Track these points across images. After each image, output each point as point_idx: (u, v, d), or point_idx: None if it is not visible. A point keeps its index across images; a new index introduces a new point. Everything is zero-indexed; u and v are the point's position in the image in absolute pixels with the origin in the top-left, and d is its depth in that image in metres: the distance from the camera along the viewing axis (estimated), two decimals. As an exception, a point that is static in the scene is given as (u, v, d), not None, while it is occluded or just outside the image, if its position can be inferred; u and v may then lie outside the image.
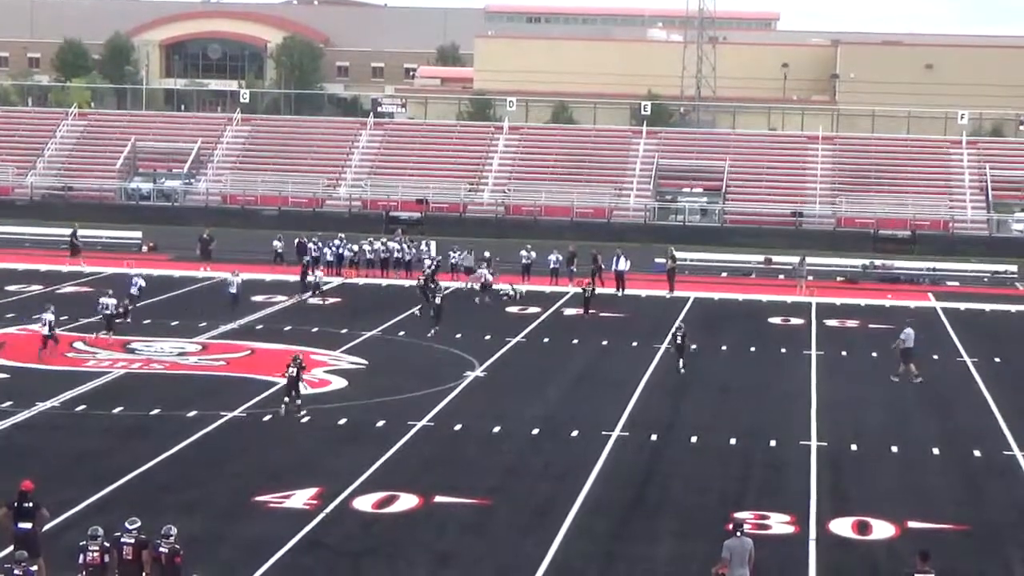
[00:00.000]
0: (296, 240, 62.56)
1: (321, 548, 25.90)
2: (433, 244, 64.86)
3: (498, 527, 27.54)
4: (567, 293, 57.90)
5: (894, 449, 34.26)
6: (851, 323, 53.57)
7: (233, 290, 51.82)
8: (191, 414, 35.60)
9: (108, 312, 45.40)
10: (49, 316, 42.44)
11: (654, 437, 34.74)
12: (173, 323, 48.71)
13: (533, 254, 61.18)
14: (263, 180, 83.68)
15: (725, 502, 29.30)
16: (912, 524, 28.17)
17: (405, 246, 63.17)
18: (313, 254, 59.75)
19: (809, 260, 62.87)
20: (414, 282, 55.17)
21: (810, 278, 61.65)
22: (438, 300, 49.18)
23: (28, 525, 23.38)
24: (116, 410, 35.93)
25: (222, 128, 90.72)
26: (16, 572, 21.04)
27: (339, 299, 55.18)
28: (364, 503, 28.56)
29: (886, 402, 39.68)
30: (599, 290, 55.41)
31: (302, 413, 35.61)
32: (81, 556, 21.87)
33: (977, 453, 34.16)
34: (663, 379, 41.89)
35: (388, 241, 63.53)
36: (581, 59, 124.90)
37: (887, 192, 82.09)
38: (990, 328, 53.99)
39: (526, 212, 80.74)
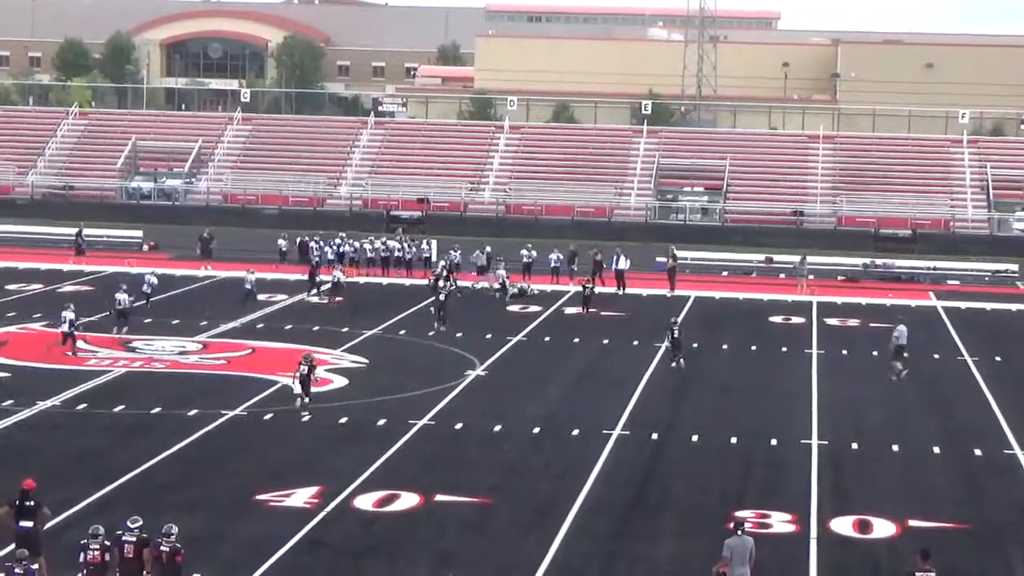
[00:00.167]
0: (298, 239, 62.67)
1: (322, 547, 25.89)
2: (435, 243, 64.85)
3: (499, 526, 27.54)
4: (568, 292, 57.92)
5: (895, 448, 34.26)
6: (852, 322, 53.56)
7: (248, 287, 52.91)
8: (192, 413, 35.61)
9: (122, 307, 45.61)
10: (70, 315, 42.88)
11: (655, 436, 34.73)
12: (174, 322, 48.74)
13: (534, 253, 61.16)
14: (264, 179, 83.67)
15: (726, 501, 29.28)
16: (913, 523, 28.17)
17: (406, 245, 63.20)
18: (316, 254, 59.84)
19: (810, 259, 62.87)
20: (419, 281, 55.07)
21: (811, 277, 61.64)
22: (442, 297, 49.25)
23: (29, 524, 23.40)
24: (117, 409, 35.94)
25: (223, 127, 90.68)
26: (17, 571, 21.05)
27: (340, 298, 55.16)
28: (365, 502, 28.56)
29: (887, 401, 39.67)
30: (600, 289, 55.47)
31: (304, 412, 35.63)
32: (82, 555, 21.92)
33: (978, 452, 34.16)
34: (664, 378, 41.87)
35: (388, 240, 63.59)
36: (582, 58, 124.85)
37: (888, 191, 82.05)
38: (991, 327, 53.97)
39: (527, 211, 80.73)
